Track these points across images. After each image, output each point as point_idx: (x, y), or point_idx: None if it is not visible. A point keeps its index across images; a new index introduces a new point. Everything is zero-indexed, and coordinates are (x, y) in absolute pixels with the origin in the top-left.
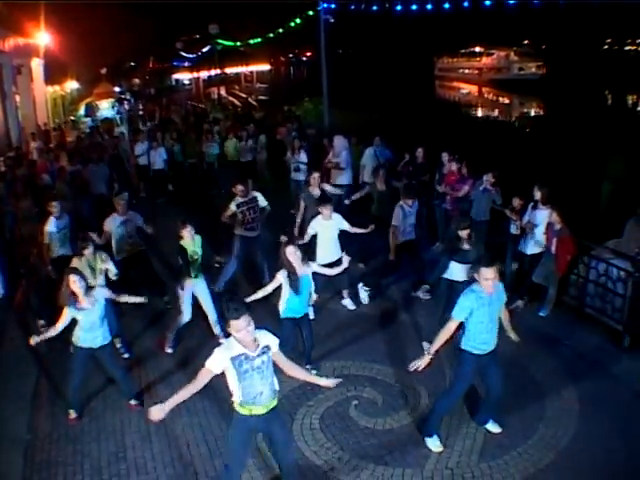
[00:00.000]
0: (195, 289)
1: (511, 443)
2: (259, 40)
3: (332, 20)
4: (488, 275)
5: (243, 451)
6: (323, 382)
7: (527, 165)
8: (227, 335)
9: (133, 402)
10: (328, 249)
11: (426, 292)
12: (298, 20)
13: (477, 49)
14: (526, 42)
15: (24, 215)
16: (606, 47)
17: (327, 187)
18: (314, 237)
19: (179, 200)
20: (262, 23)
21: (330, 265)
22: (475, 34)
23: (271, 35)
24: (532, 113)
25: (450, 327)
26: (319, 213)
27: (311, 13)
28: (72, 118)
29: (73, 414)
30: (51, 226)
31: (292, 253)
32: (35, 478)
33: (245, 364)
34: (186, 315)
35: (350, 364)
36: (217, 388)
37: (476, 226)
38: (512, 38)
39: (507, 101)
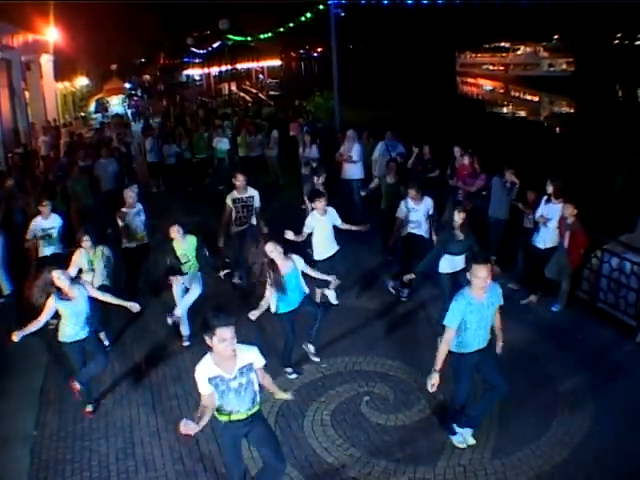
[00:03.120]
0: (187, 283)
1: (524, 440)
2: (269, 35)
3: (343, 14)
4: (480, 273)
5: (235, 458)
6: (283, 396)
7: (556, 165)
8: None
9: (89, 408)
10: (325, 244)
11: (398, 282)
12: (309, 14)
13: (502, 44)
14: (556, 37)
15: (34, 211)
16: (617, 42)
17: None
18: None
19: (187, 196)
20: (272, 18)
21: (328, 259)
22: (500, 28)
23: (281, 30)
24: (562, 112)
25: (447, 337)
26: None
27: (322, 7)
28: (82, 114)
29: (89, 408)
30: (35, 225)
31: (273, 250)
32: (42, 475)
33: (221, 385)
34: (178, 303)
35: (362, 360)
36: None
37: (497, 225)
38: (540, 32)
39: (536, 99)
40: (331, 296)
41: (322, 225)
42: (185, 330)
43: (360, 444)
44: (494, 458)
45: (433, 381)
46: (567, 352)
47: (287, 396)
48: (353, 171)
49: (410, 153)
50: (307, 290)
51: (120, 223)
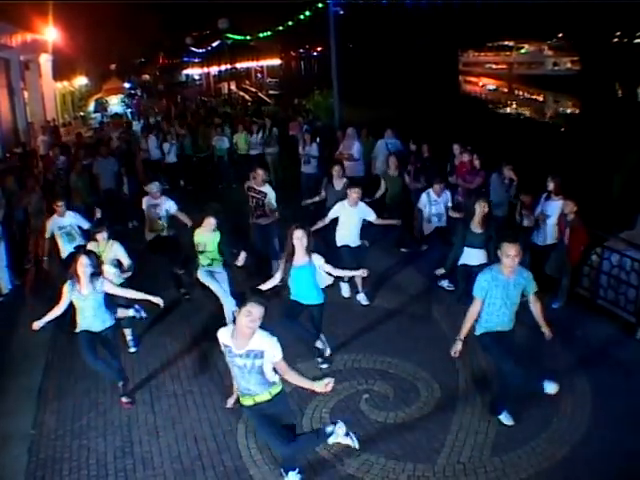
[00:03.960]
0: (211, 274)
1: (524, 437)
2: (269, 34)
3: (342, 12)
4: (510, 251)
5: (269, 432)
6: (317, 387)
7: (558, 163)
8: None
9: (124, 399)
10: (348, 233)
11: (444, 279)
12: (308, 13)
13: (506, 43)
14: (560, 35)
15: (35, 210)
16: (616, 40)
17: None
18: (334, 223)
19: (188, 194)
20: (272, 17)
21: (350, 247)
22: (503, 26)
23: (281, 28)
24: (568, 111)
25: (474, 307)
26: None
27: (321, 5)
28: (82, 114)
29: (120, 384)
30: (53, 223)
31: (298, 238)
32: (39, 474)
33: (228, 356)
34: (214, 288)
35: (361, 357)
36: (226, 384)
37: (495, 221)
38: (544, 31)
39: (540, 98)
40: (362, 299)
41: (349, 216)
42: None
43: (359, 442)
44: (494, 455)
45: (456, 348)
46: (567, 349)
47: (319, 387)
48: (353, 169)
49: (409, 151)
50: (318, 300)
51: (146, 211)
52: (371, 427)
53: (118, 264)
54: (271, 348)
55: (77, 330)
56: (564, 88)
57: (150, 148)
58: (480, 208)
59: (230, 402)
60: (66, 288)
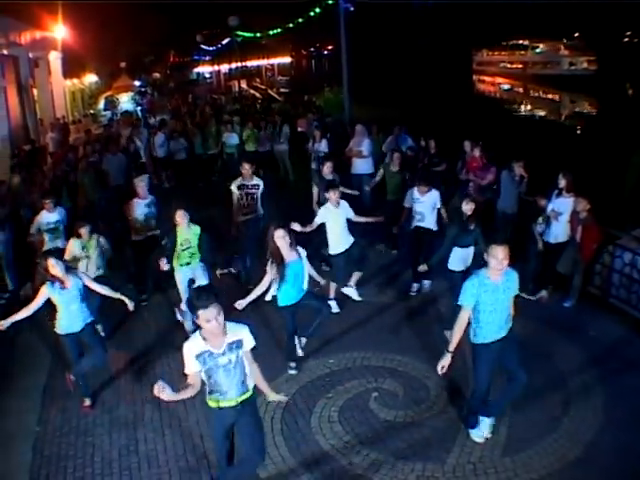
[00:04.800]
0: (188, 275)
1: (535, 437)
2: (279, 31)
3: (352, 9)
4: (498, 254)
5: (224, 446)
6: (273, 397)
7: (572, 160)
8: (195, 328)
9: (87, 402)
10: (340, 237)
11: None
12: (317, 10)
13: (521, 42)
14: (576, 35)
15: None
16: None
17: (350, 192)
18: (324, 227)
19: (197, 191)
20: (281, 14)
21: (343, 253)
22: (518, 25)
23: (291, 26)
24: (584, 112)
25: (462, 317)
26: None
27: (331, 2)
28: (91, 112)
29: (87, 401)
30: (40, 219)
31: (281, 237)
32: (44, 471)
33: (209, 361)
34: (183, 296)
35: (370, 355)
36: None
37: (505, 218)
38: (560, 30)
39: (556, 98)
40: (352, 293)
41: (335, 217)
42: (189, 326)
43: (368, 441)
44: (504, 456)
45: (444, 362)
46: (578, 348)
47: (276, 397)
48: (363, 166)
49: (420, 148)
50: (306, 287)
51: (130, 215)
52: (380, 426)
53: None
54: (246, 336)
55: (58, 332)
56: (581, 88)
57: (157, 145)
58: (467, 207)
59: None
60: (44, 288)
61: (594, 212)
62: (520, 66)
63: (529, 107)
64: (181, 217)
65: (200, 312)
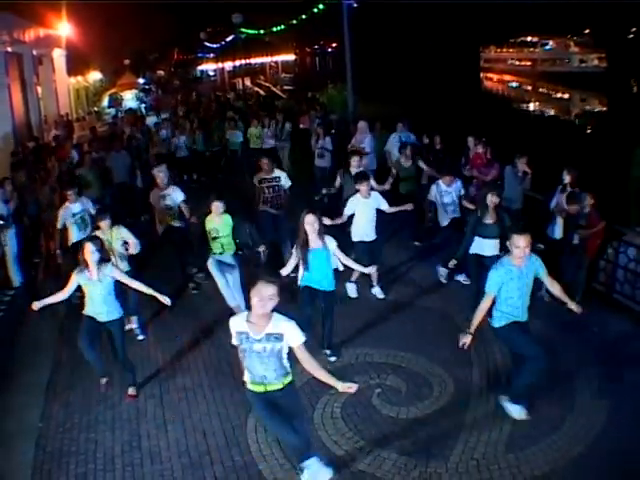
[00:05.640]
0: (221, 265)
1: (539, 434)
2: (283, 27)
3: (355, 5)
4: (519, 242)
5: (280, 422)
6: (341, 386)
7: (578, 156)
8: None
9: (130, 390)
10: (364, 227)
11: (460, 273)
12: (321, 6)
13: (529, 39)
14: (587, 31)
15: (47, 202)
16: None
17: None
18: (351, 217)
19: (201, 187)
20: (285, 11)
21: (366, 243)
22: (526, 22)
23: (294, 22)
24: (595, 110)
25: (485, 302)
26: (357, 191)
27: None
28: (96, 109)
29: (103, 380)
30: (66, 211)
31: (310, 223)
32: (46, 467)
33: (245, 343)
34: (220, 284)
35: (374, 351)
36: (236, 377)
37: (509, 214)
38: (569, 26)
39: (566, 96)
40: (352, 289)
41: (364, 208)
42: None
43: (371, 437)
44: (508, 452)
45: (465, 340)
46: (583, 344)
47: (344, 386)
48: (365, 162)
49: (422, 144)
50: (332, 286)
51: (154, 205)
52: (383, 422)
53: (125, 246)
54: (290, 331)
55: (84, 312)
56: (591, 86)
57: (159, 142)
58: (491, 198)
59: None
60: (74, 274)
61: (600, 209)
62: (529, 63)
63: (538, 105)
64: (216, 207)
65: (259, 284)
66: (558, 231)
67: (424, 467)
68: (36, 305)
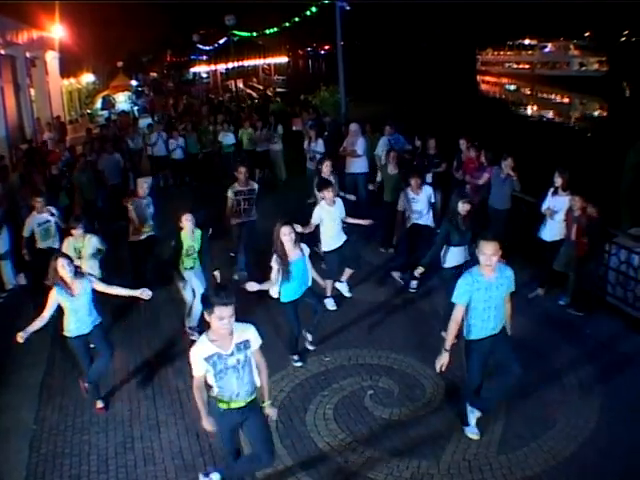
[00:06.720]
0: (191, 280)
1: (531, 434)
2: (275, 30)
3: (348, 8)
4: (486, 249)
5: (232, 445)
6: (268, 410)
7: (571, 159)
8: (200, 332)
9: (99, 404)
10: (333, 235)
11: (407, 274)
12: (314, 9)
13: (527, 41)
14: (587, 34)
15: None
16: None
17: (348, 196)
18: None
19: (194, 190)
20: (278, 13)
21: (336, 250)
22: (525, 24)
23: (287, 25)
24: (595, 115)
25: (456, 314)
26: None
27: (327, 1)
28: (89, 111)
29: (99, 404)
30: (32, 220)
31: (286, 234)
32: (40, 469)
33: (219, 364)
34: (188, 299)
35: (366, 353)
36: None
37: (496, 215)
38: (569, 29)
39: (566, 100)
40: (343, 289)
41: (330, 216)
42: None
43: (363, 438)
44: (500, 453)
45: (442, 361)
46: (574, 346)
47: (270, 410)
48: (358, 165)
49: (414, 147)
50: (310, 283)
51: (131, 213)
52: (375, 423)
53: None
54: (253, 335)
55: (67, 335)
56: (592, 90)
57: (151, 144)
58: (462, 208)
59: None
60: (54, 292)
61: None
62: (527, 66)
63: (536, 109)
64: (186, 220)
65: (216, 308)
66: (547, 233)
67: (416, 468)
68: (21, 336)
